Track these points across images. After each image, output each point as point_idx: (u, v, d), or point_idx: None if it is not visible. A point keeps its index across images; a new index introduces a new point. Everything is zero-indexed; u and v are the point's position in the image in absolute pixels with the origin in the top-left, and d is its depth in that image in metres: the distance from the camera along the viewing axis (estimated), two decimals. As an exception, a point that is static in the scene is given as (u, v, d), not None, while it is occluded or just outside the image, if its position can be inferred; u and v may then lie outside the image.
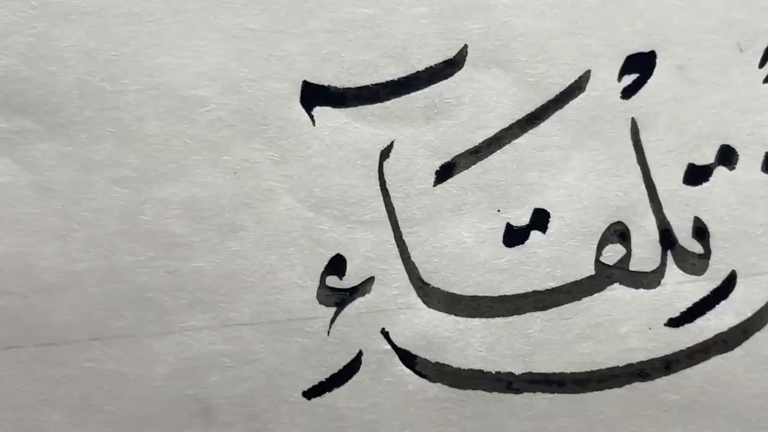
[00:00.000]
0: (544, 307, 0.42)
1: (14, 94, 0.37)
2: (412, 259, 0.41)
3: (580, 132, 0.42)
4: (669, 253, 0.43)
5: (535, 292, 0.42)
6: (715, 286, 0.43)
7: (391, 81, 0.40)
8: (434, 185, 0.41)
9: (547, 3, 0.41)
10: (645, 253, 0.43)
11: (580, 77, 0.42)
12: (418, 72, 0.40)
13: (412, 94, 0.40)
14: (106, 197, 0.38)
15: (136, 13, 0.38)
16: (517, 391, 0.42)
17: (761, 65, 0.43)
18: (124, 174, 0.38)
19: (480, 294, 0.41)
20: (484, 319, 0.41)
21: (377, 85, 0.40)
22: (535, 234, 0.42)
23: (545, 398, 0.42)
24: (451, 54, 0.41)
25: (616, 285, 0.42)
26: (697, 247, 0.43)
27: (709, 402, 0.43)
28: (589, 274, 0.42)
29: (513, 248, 0.42)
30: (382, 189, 0.41)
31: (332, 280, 0.40)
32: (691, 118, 0.42)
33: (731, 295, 0.43)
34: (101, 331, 0.39)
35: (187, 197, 0.39)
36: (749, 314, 0.43)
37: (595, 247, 0.42)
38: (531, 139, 0.42)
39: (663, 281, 0.43)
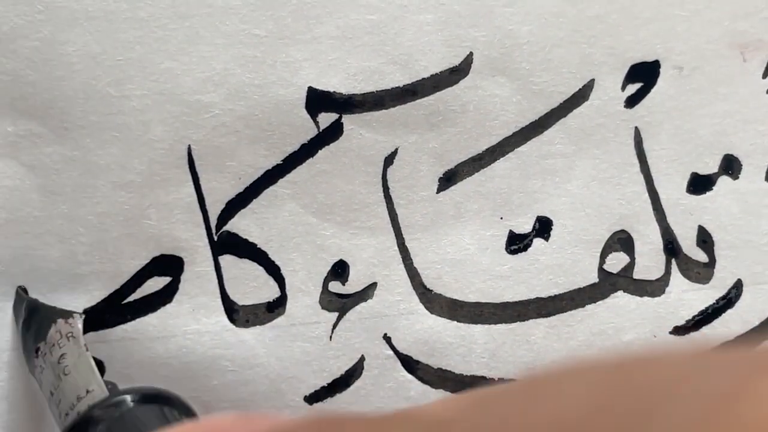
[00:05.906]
0: (547, 315, 0.42)
1: (20, 97, 0.38)
2: (415, 265, 0.41)
3: (584, 140, 0.42)
4: (673, 261, 0.43)
5: (537, 300, 0.42)
6: (720, 295, 0.43)
7: (396, 88, 0.41)
8: (437, 192, 0.41)
9: (552, 12, 0.41)
10: (649, 261, 0.42)
11: (584, 86, 0.42)
12: (423, 79, 0.41)
13: (417, 101, 0.41)
14: (111, 201, 0.39)
15: (142, 18, 0.38)
16: (520, 399, 0.41)
17: (765, 75, 0.43)
18: (130, 178, 0.39)
19: (482, 300, 0.41)
20: (486, 326, 0.41)
21: (382, 91, 0.40)
22: (537, 241, 0.42)
23: (548, 406, 0.42)
24: (456, 61, 0.41)
25: (620, 293, 0.42)
26: (701, 256, 0.43)
27: (713, 411, 0.42)
28: (592, 282, 0.42)
29: (515, 255, 0.42)
30: (385, 195, 0.41)
31: (335, 286, 0.41)
32: (694, 128, 0.42)
33: (737, 304, 0.43)
34: (105, 334, 0.39)
35: (192, 202, 0.39)
36: (755, 323, 0.43)
37: (598, 255, 0.42)
38: (534, 147, 0.42)
39: (668, 289, 0.43)
